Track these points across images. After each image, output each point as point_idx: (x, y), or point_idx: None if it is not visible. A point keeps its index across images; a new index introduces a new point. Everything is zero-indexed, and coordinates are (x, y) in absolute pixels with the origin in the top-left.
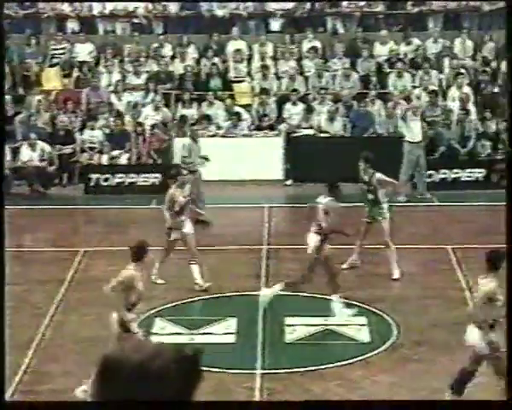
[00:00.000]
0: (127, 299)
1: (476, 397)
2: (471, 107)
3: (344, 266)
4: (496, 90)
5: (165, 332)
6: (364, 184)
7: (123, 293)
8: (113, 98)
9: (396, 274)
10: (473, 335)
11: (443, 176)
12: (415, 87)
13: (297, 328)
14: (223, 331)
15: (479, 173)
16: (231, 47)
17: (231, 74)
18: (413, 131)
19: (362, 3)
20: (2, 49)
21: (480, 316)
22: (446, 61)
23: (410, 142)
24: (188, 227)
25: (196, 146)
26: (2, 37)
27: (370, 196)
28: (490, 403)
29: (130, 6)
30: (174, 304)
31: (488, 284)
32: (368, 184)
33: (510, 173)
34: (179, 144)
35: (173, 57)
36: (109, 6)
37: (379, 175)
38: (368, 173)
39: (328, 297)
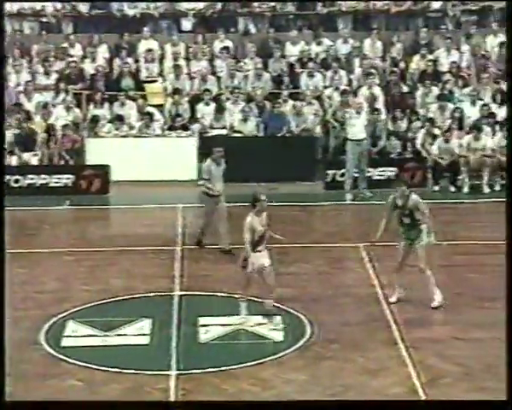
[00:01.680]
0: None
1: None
2: (381, 106)
3: (392, 299)
4: (405, 89)
5: (78, 334)
6: (398, 208)
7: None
8: (23, 99)
9: (435, 302)
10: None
11: (355, 175)
12: (326, 87)
13: (211, 328)
14: (136, 333)
15: (390, 172)
16: (143, 47)
17: (143, 74)
18: (355, 129)
19: (273, 4)
20: (2, 49)
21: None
22: (357, 62)
23: (351, 139)
24: (266, 259)
25: (218, 169)
26: (2, 37)
27: (406, 220)
28: (490, 403)
29: (38, 5)
30: (87, 306)
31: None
32: (403, 208)
33: (510, 173)
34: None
35: (84, 57)
36: (16, 5)
37: (415, 197)
38: (403, 197)
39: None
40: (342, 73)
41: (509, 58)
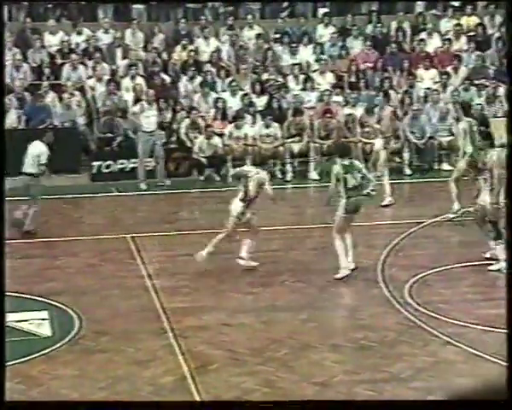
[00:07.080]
0: None
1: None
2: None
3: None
4: (168, 80)
5: None
6: None
7: None
8: None
9: (339, 274)
10: None
11: (121, 166)
12: (89, 78)
13: None
14: None
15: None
16: None
17: None
18: (148, 120)
19: None
20: (3, 48)
21: None
22: (119, 52)
23: (144, 131)
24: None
25: None
26: (2, 37)
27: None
28: (490, 403)
29: None
30: None
31: None
32: None
33: (510, 171)
34: None
35: None
36: None
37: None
38: None
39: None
40: (104, 63)
41: (509, 58)
